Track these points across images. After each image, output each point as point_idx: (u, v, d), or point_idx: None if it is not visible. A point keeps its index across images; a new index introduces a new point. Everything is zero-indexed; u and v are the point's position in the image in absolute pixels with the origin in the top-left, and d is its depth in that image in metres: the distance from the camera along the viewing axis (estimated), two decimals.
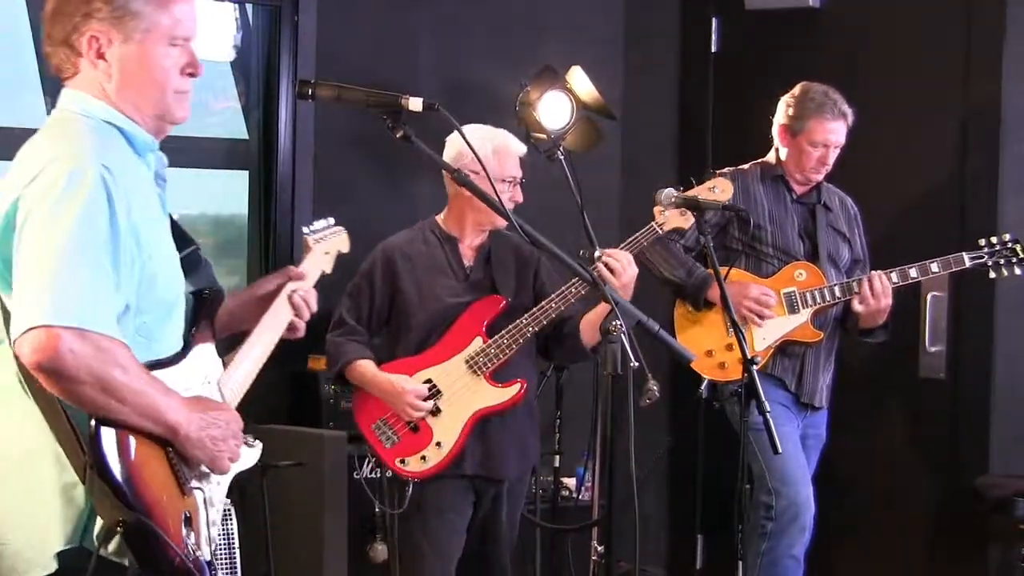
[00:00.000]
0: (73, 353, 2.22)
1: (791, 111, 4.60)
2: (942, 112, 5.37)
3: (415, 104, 2.75)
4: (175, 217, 2.64)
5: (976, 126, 5.30)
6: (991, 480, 5.12)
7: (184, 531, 2.38)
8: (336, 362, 4.05)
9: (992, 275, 4.57)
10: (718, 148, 5.87)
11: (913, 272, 4.51)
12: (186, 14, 2.49)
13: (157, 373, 2.39)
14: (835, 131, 4.56)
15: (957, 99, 5.33)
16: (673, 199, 3.92)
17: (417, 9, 5.72)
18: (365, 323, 4.07)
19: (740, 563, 4.26)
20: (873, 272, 4.52)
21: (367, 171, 5.54)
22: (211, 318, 2.61)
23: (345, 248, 3.19)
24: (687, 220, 3.97)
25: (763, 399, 3.58)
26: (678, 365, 4.00)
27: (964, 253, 4.52)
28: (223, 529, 2.82)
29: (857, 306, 4.50)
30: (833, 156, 4.60)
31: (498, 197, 2.96)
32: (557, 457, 5.23)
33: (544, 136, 5.28)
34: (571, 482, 5.47)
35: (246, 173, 5.54)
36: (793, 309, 4.55)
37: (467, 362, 3.99)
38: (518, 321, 3.96)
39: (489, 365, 3.98)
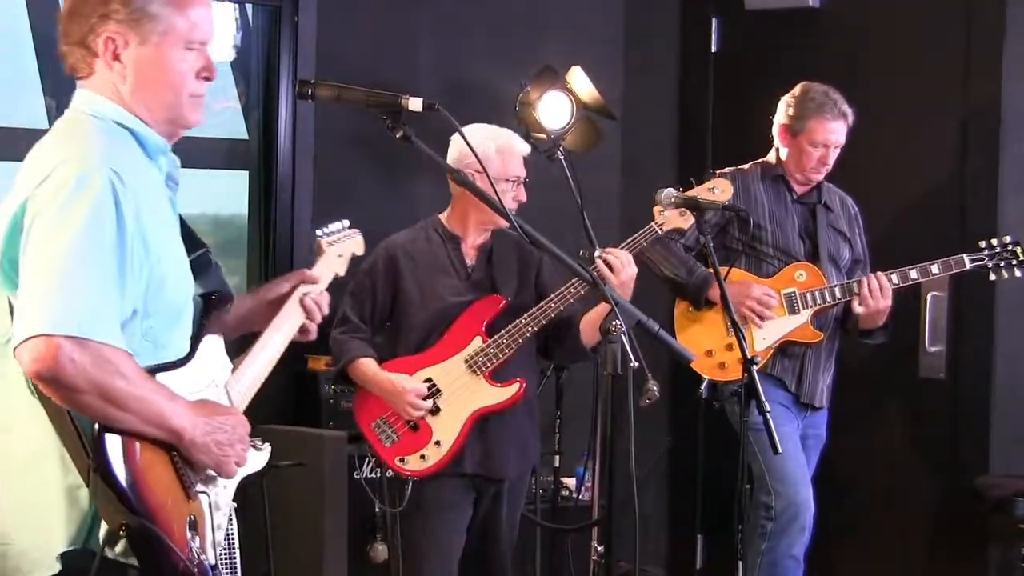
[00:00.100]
0: (73, 362, 2.21)
1: (791, 111, 4.60)
2: (942, 112, 5.37)
3: (415, 104, 2.75)
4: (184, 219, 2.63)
5: (976, 126, 5.31)
6: (991, 480, 5.12)
7: (189, 535, 2.38)
8: (338, 360, 4.06)
9: (992, 277, 4.57)
10: (718, 148, 5.88)
11: (913, 274, 4.51)
12: (203, 18, 2.48)
13: (162, 376, 2.39)
14: (835, 131, 4.56)
15: (957, 99, 5.33)
16: (673, 199, 3.92)
17: (417, 9, 5.72)
18: (368, 321, 4.08)
19: (740, 563, 4.26)
20: (873, 273, 4.52)
21: (367, 171, 5.54)
22: (220, 321, 2.59)
23: (359, 250, 3.17)
24: (686, 220, 3.97)
25: (763, 399, 3.58)
26: (678, 365, 4.01)
27: (964, 255, 4.52)
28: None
29: (857, 307, 4.50)
30: (833, 156, 4.60)
31: (498, 197, 2.96)
32: (557, 457, 5.23)
33: (544, 136, 5.28)
34: (571, 482, 5.47)
35: (246, 173, 5.54)
36: (793, 310, 4.55)
37: (467, 361, 3.99)
38: (517, 321, 3.96)
39: (488, 365, 3.98)
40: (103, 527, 2.31)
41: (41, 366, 2.22)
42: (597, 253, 3.90)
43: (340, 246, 3.08)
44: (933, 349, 5.34)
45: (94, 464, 2.28)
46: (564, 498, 5.34)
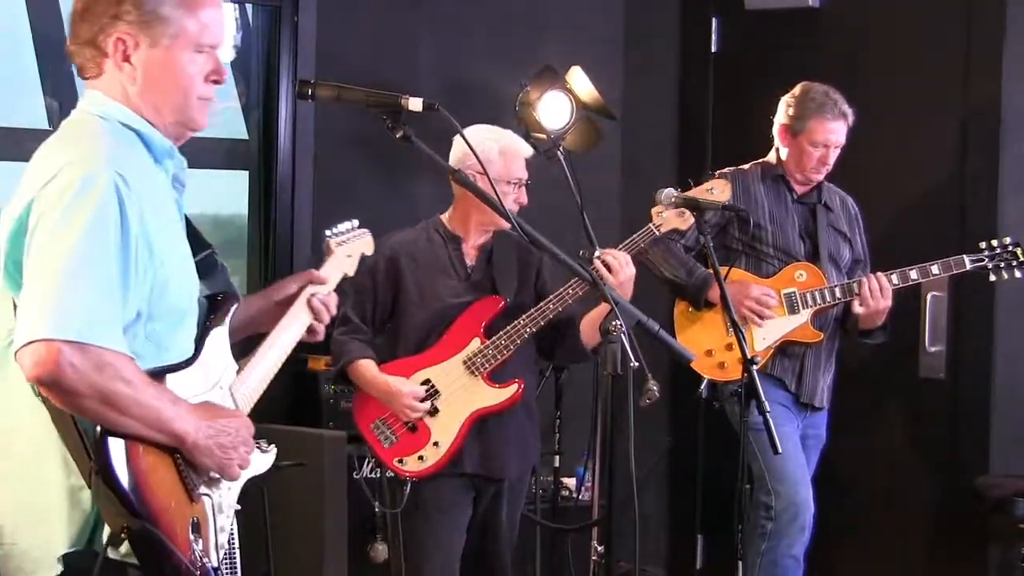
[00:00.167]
0: (73, 367, 2.21)
1: (792, 111, 4.60)
2: (942, 112, 5.37)
3: (415, 104, 2.75)
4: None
5: (976, 126, 5.31)
6: (991, 480, 5.12)
7: (192, 537, 2.37)
8: (338, 360, 4.06)
9: (992, 278, 4.57)
10: (718, 148, 5.88)
11: (914, 274, 4.51)
12: (214, 21, 2.47)
13: (166, 378, 2.38)
14: (836, 131, 4.56)
15: (957, 99, 5.33)
16: (673, 199, 3.92)
17: (417, 9, 5.72)
18: (368, 321, 4.08)
19: (740, 563, 4.26)
20: (873, 273, 4.52)
21: (367, 171, 5.54)
22: (225, 323, 2.59)
23: (369, 250, 3.16)
24: (685, 221, 3.97)
25: (763, 399, 3.58)
26: (678, 365, 4.01)
27: (964, 256, 4.52)
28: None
29: (857, 307, 4.50)
30: (834, 156, 4.60)
31: (498, 198, 2.96)
32: (557, 457, 5.23)
33: (544, 136, 5.28)
34: (571, 482, 5.47)
35: (246, 173, 5.55)
36: (793, 310, 4.55)
37: (465, 363, 3.99)
38: (516, 322, 3.96)
39: (487, 366, 3.98)
40: (106, 529, 2.31)
41: (41, 371, 2.21)
42: (597, 253, 3.90)
43: (349, 246, 3.07)
44: (933, 349, 5.34)
45: (96, 466, 2.28)
46: (564, 498, 5.34)
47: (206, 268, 2.60)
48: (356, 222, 3.15)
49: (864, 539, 5.52)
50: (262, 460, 2.64)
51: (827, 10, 5.62)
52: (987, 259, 4.53)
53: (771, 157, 4.71)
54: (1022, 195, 5.21)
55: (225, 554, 2.57)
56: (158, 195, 2.43)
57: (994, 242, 4.56)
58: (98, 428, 2.28)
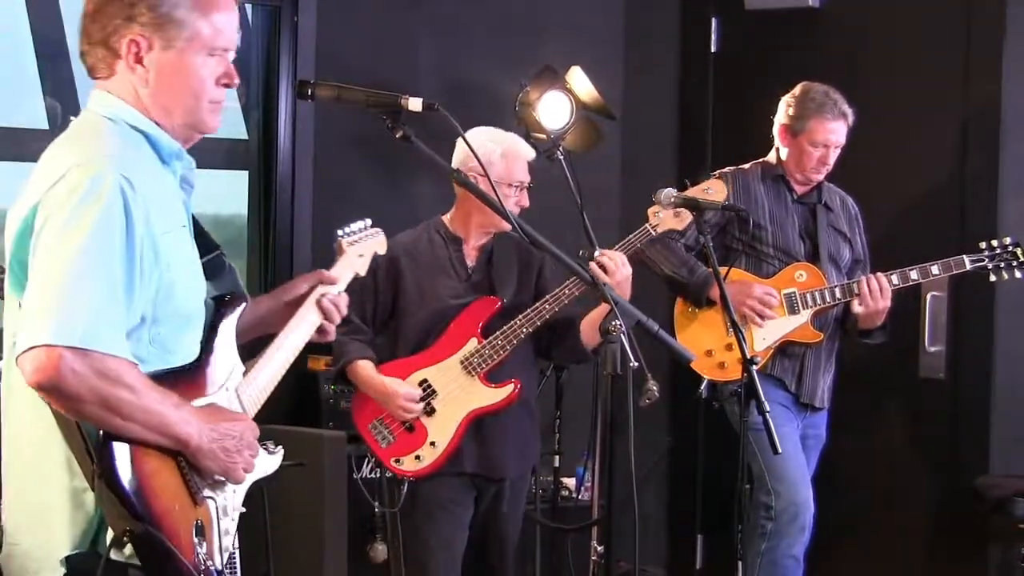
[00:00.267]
0: (74, 373, 2.20)
1: (792, 111, 4.60)
2: (942, 112, 5.37)
3: (415, 104, 2.75)
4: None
5: (976, 126, 5.31)
6: (991, 480, 5.12)
7: (195, 540, 2.37)
8: (338, 361, 4.07)
9: (992, 278, 4.57)
10: (718, 148, 5.88)
11: (914, 274, 4.50)
12: (227, 24, 2.47)
13: (170, 384, 2.37)
14: (836, 131, 4.56)
15: (957, 99, 5.33)
16: (672, 199, 3.92)
17: (417, 9, 5.72)
18: (369, 321, 4.09)
19: (740, 563, 4.26)
20: (873, 273, 4.52)
21: (367, 171, 5.54)
22: (232, 324, 2.58)
23: (382, 250, 3.15)
24: (681, 221, 3.97)
25: (763, 399, 3.59)
26: (678, 365, 4.01)
27: (964, 256, 4.52)
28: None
29: (856, 307, 4.50)
30: (834, 156, 4.60)
31: (499, 199, 2.96)
32: (557, 457, 5.23)
33: (544, 136, 5.28)
34: (571, 482, 5.47)
35: (246, 173, 5.55)
36: (793, 310, 4.55)
37: (462, 362, 4.00)
38: (513, 322, 3.97)
39: (484, 366, 3.99)
40: (110, 531, 2.31)
41: (42, 376, 2.21)
42: (597, 253, 3.90)
43: (361, 246, 3.06)
44: (933, 349, 5.34)
45: (99, 469, 2.27)
46: (564, 498, 5.34)
47: (214, 269, 2.60)
48: (369, 221, 3.14)
49: (864, 539, 5.52)
50: (269, 462, 2.63)
51: (827, 10, 5.62)
52: (987, 259, 4.53)
53: (771, 157, 4.71)
54: (1022, 195, 5.21)
55: (228, 556, 2.56)
56: (165, 197, 2.42)
57: (994, 242, 4.55)
58: (100, 432, 2.27)
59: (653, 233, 3.99)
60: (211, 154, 5.42)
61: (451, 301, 4.05)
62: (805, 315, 4.56)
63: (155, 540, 2.28)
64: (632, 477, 2.92)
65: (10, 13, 4.96)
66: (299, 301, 2.80)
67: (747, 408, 3.93)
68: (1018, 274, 4.55)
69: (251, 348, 2.69)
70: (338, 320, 2.83)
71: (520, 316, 3.97)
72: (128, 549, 2.29)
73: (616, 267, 3.86)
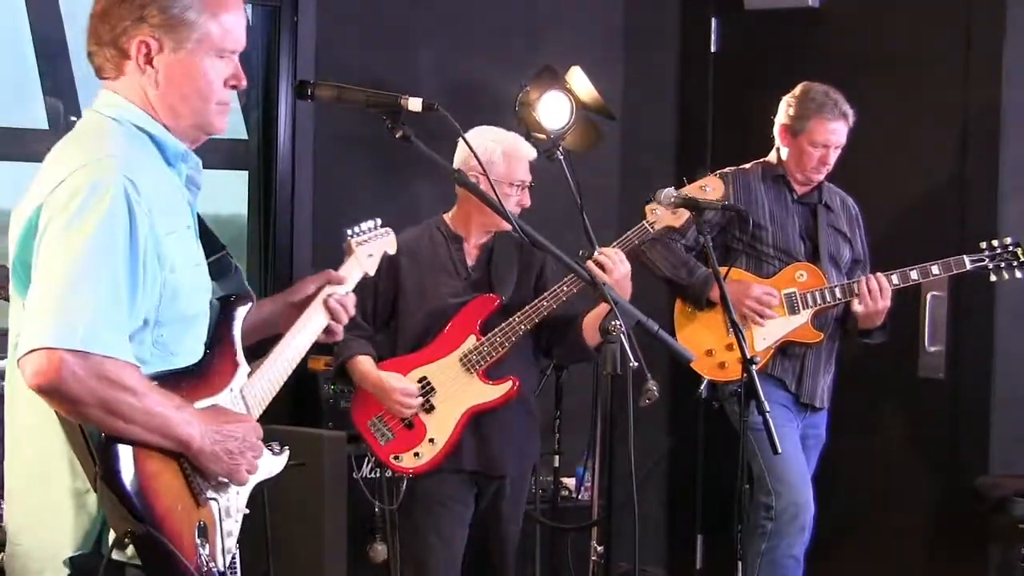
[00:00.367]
0: (75, 376, 2.20)
1: (792, 111, 4.60)
2: (942, 112, 5.37)
3: (415, 104, 2.75)
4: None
5: (976, 126, 5.31)
6: (991, 480, 5.12)
7: (198, 542, 2.37)
8: (338, 357, 4.08)
9: (993, 278, 4.57)
10: (718, 148, 5.88)
11: (914, 274, 4.51)
12: (236, 26, 2.47)
13: (173, 385, 2.37)
14: (836, 131, 4.56)
15: (957, 99, 5.33)
16: (672, 199, 3.92)
17: (417, 9, 5.72)
18: (370, 319, 4.10)
19: (740, 563, 4.26)
20: (873, 273, 4.52)
21: (367, 171, 5.54)
22: (238, 325, 2.57)
23: (392, 249, 3.15)
24: (678, 219, 3.97)
25: (763, 399, 3.58)
26: (678, 365, 4.01)
27: (965, 256, 4.52)
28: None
29: (856, 307, 4.50)
30: (834, 156, 4.60)
31: (498, 199, 2.97)
32: (557, 457, 5.23)
33: (544, 136, 5.28)
34: (571, 482, 5.47)
35: (246, 173, 5.55)
36: (794, 310, 4.55)
37: (461, 360, 4.01)
38: (511, 319, 3.98)
39: (482, 363, 4.00)
40: (112, 532, 2.31)
41: (43, 380, 2.20)
42: (597, 252, 3.91)
43: (370, 246, 3.05)
44: (933, 349, 5.34)
45: (100, 471, 2.27)
46: (564, 498, 5.34)
47: (220, 270, 2.59)
48: (378, 221, 3.13)
49: (864, 539, 5.52)
50: (274, 463, 2.62)
51: (827, 10, 5.62)
52: (987, 259, 4.53)
53: (772, 157, 4.71)
54: (1022, 195, 5.21)
55: (230, 557, 2.55)
56: (170, 199, 2.42)
57: (994, 242, 4.56)
58: (102, 434, 2.27)
59: (651, 230, 3.99)
60: (211, 154, 5.35)
61: (451, 299, 4.06)
62: (805, 315, 4.56)
63: (156, 541, 2.28)
64: (632, 477, 2.92)
65: (10, 13, 4.97)
66: (306, 302, 2.79)
67: (747, 408, 3.93)
68: (1018, 274, 4.55)
69: (256, 349, 2.68)
70: (346, 321, 2.82)
71: (518, 313, 3.98)
72: (130, 550, 2.29)
73: (614, 265, 3.87)
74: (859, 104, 4.63)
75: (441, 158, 2.94)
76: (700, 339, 4.54)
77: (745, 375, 3.67)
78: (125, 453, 2.27)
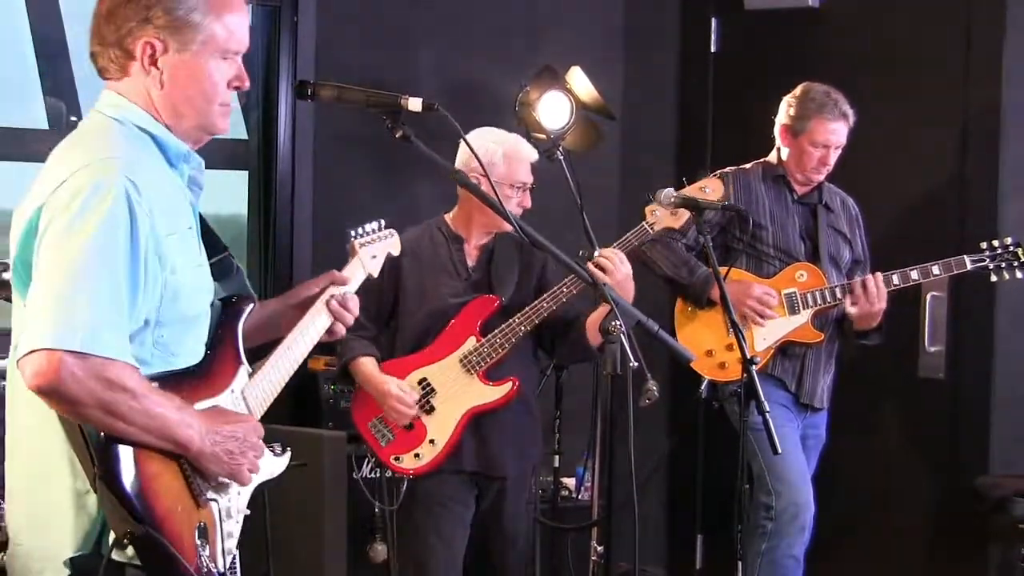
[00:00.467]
0: (74, 377, 2.20)
1: (792, 111, 4.60)
2: (942, 113, 5.36)
3: (415, 104, 2.75)
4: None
5: (976, 127, 5.31)
6: (991, 480, 5.12)
7: (198, 543, 2.37)
8: (341, 358, 4.09)
9: (993, 278, 4.57)
10: (718, 148, 5.88)
11: (915, 274, 4.51)
12: (239, 27, 2.48)
13: (174, 385, 2.37)
14: (836, 131, 4.56)
15: (957, 99, 5.33)
16: (672, 199, 3.93)
17: (417, 9, 5.72)
18: (372, 319, 4.10)
19: (740, 563, 4.26)
20: (870, 275, 4.52)
21: (367, 171, 5.54)
22: (239, 326, 2.57)
23: (396, 250, 3.15)
24: (678, 220, 3.97)
25: (762, 399, 3.58)
26: (678, 365, 4.01)
27: (965, 256, 4.52)
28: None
29: (850, 307, 4.50)
30: (834, 156, 4.60)
31: (499, 199, 2.97)
32: (557, 457, 5.23)
33: (544, 136, 5.28)
34: (571, 482, 5.47)
35: (245, 173, 5.55)
36: (794, 310, 4.55)
37: (461, 361, 4.02)
38: (510, 320, 3.99)
39: (482, 364, 4.00)
40: (112, 532, 2.31)
41: (42, 380, 2.20)
42: (597, 253, 3.91)
43: (374, 247, 3.06)
44: (933, 349, 5.34)
45: (100, 471, 2.27)
46: (564, 498, 5.34)
47: (222, 271, 2.60)
48: (382, 222, 3.13)
49: (864, 539, 5.52)
50: (275, 464, 2.62)
51: (827, 10, 5.62)
52: (988, 259, 4.53)
53: (772, 157, 4.71)
54: (1022, 196, 5.21)
55: (231, 558, 2.55)
56: (171, 200, 2.42)
57: (995, 242, 4.56)
58: (102, 434, 2.27)
59: (650, 231, 3.99)
60: (211, 154, 5.34)
61: (451, 300, 4.06)
62: (805, 315, 4.56)
63: (156, 542, 2.28)
64: (632, 477, 2.92)
65: (10, 13, 4.97)
66: (309, 303, 2.78)
67: (747, 408, 3.93)
68: (1019, 274, 4.55)
69: (257, 350, 2.68)
70: (350, 321, 2.81)
71: (518, 315, 3.98)
72: (130, 550, 2.29)
73: (615, 266, 3.87)
74: (859, 104, 4.63)
75: (441, 158, 2.94)
76: (700, 339, 4.54)
77: (745, 375, 3.67)
78: (125, 454, 2.27)
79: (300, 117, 5.43)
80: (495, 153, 4.01)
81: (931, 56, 5.39)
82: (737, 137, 5.49)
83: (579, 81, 5.42)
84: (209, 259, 2.54)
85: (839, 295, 4.53)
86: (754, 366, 3.67)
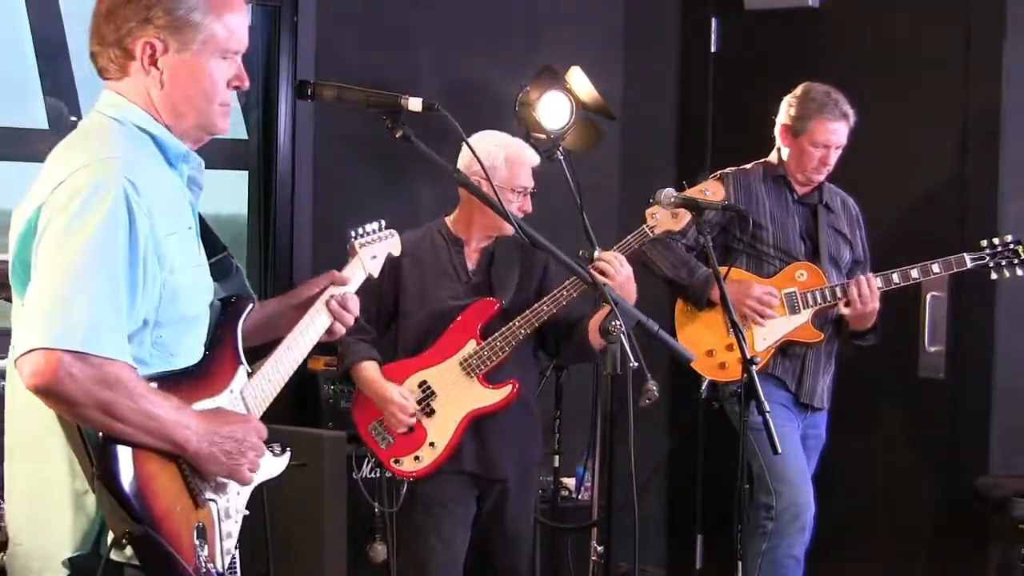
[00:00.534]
0: (72, 377, 2.20)
1: (793, 111, 4.60)
2: (942, 112, 5.37)
3: (415, 104, 2.75)
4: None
5: (976, 127, 5.31)
6: (991, 480, 5.12)
7: (197, 543, 2.36)
8: (343, 360, 4.09)
9: (993, 276, 4.57)
10: (718, 148, 5.88)
11: (914, 273, 4.51)
12: (239, 27, 2.48)
13: (173, 386, 2.37)
14: (837, 132, 4.56)
15: (957, 99, 5.33)
16: (672, 200, 3.92)
17: (417, 9, 5.72)
18: (373, 322, 4.10)
19: (740, 563, 4.26)
20: (862, 276, 4.52)
21: (367, 171, 5.54)
22: (238, 326, 2.57)
23: (396, 251, 3.15)
24: (678, 222, 3.97)
25: (763, 399, 3.58)
26: (678, 365, 4.01)
27: (965, 254, 4.52)
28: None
29: (843, 308, 4.50)
30: (835, 157, 4.60)
31: (499, 200, 2.97)
32: (557, 457, 5.23)
33: (544, 136, 5.28)
34: (571, 482, 5.47)
35: (246, 173, 5.55)
36: (794, 309, 4.55)
37: (461, 364, 4.02)
38: (511, 323, 3.99)
39: (482, 367, 4.00)
40: (111, 532, 2.31)
41: (40, 380, 2.20)
42: (596, 254, 3.91)
43: (374, 247, 3.05)
44: (933, 349, 5.34)
45: (98, 471, 2.27)
46: (564, 498, 5.34)
47: (222, 271, 2.59)
48: (383, 222, 3.13)
49: (864, 539, 5.52)
50: (275, 464, 2.61)
51: (827, 10, 5.62)
52: (988, 257, 4.53)
53: (772, 157, 4.71)
54: (1022, 195, 5.21)
55: (230, 558, 2.55)
56: (170, 200, 2.42)
57: (995, 240, 4.56)
58: (100, 434, 2.27)
59: (651, 234, 3.99)
60: (211, 154, 5.34)
61: (451, 303, 4.06)
62: (806, 315, 4.56)
63: (154, 542, 2.28)
64: (632, 477, 2.92)
65: (10, 13, 4.97)
66: (309, 303, 2.78)
67: (747, 408, 3.93)
68: (1019, 272, 4.55)
69: (257, 350, 2.68)
70: (350, 322, 2.81)
71: (519, 317, 3.98)
72: (129, 550, 2.29)
73: (616, 269, 3.87)
74: (859, 104, 4.63)
75: (441, 158, 2.94)
76: (700, 339, 4.54)
77: (745, 375, 3.67)
78: (123, 454, 2.27)
79: (300, 117, 5.43)
80: (497, 157, 4.01)
81: (931, 56, 5.39)
82: (737, 137, 5.49)
83: (579, 81, 5.42)
84: (209, 259, 2.54)
85: (839, 294, 4.53)
86: (754, 366, 3.67)
